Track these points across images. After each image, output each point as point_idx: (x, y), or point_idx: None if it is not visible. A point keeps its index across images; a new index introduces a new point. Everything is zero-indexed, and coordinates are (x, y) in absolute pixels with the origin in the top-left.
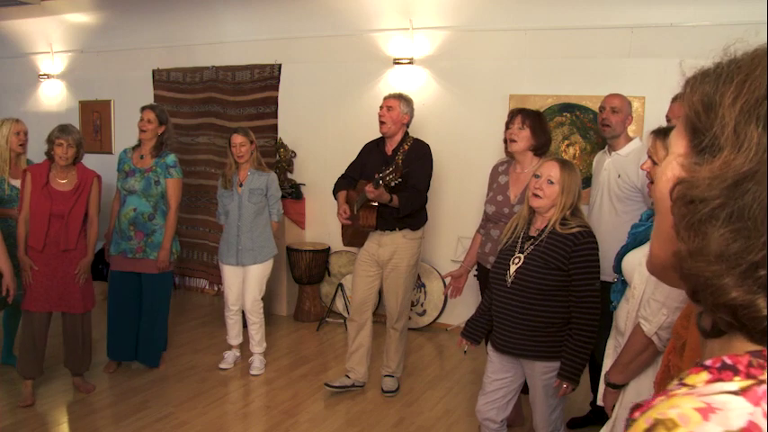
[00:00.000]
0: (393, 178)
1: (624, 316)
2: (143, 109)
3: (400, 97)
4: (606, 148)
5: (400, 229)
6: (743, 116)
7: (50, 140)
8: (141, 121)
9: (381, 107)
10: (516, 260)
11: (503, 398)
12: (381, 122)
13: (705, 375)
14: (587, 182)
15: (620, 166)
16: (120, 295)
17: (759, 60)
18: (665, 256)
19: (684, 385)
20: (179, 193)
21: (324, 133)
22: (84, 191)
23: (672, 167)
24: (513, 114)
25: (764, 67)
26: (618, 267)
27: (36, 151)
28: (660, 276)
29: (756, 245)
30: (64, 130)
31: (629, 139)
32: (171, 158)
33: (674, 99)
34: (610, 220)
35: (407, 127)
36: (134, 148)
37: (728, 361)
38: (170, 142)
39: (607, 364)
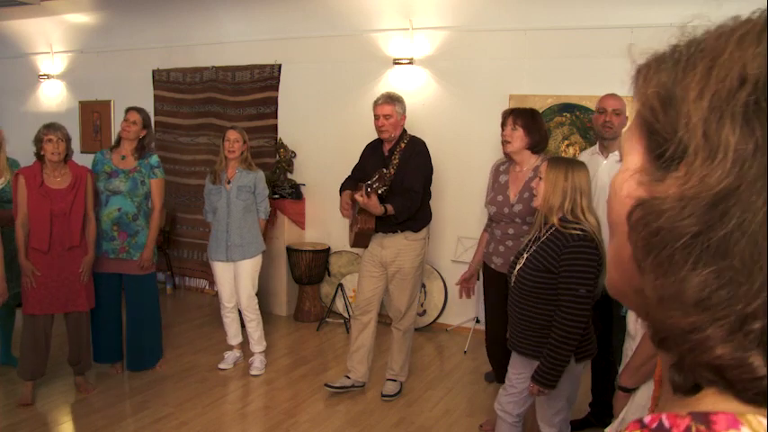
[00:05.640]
0: (378, 187)
1: (634, 320)
2: (129, 110)
3: (392, 101)
4: (597, 149)
5: (401, 231)
6: (713, 114)
7: (38, 139)
8: (126, 122)
9: (378, 117)
10: (520, 260)
11: (520, 393)
12: (382, 131)
13: None
14: None
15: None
16: (101, 296)
17: (726, 39)
18: (625, 288)
19: None
20: (163, 193)
21: (324, 133)
22: (80, 187)
23: (627, 183)
24: (505, 116)
25: (734, 47)
26: None
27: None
28: (621, 301)
29: (748, 292)
30: (51, 126)
31: None
32: (155, 159)
33: None
34: None
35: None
36: (112, 149)
37: (666, 423)
38: (151, 146)
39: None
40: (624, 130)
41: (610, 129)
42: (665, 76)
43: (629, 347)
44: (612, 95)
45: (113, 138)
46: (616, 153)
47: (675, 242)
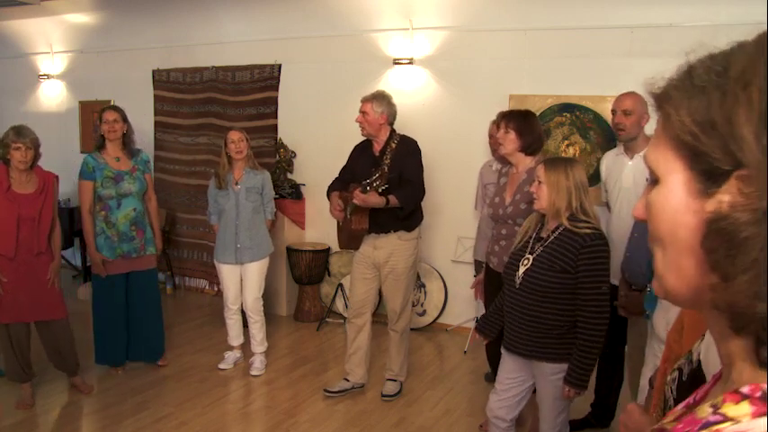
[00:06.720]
0: (379, 185)
1: (663, 324)
2: (105, 111)
3: (373, 99)
4: (621, 149)
5: (395, 231)
6: (764, 131)
7: (6, 144)
8: (107, 124)
9: (359, 111)
10: (525, 261)
11: (513, 397)
12: (360, 127)
13: (747, 407)
14: (592, 181)
15: (646, 171)
16: (112, 299)
17: (751, 66)
18: (686, 291)
19: (724, 417)
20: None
21: (324, 133)
22: (48, 192)
23: (676, 196)
24: (498, 119)
25: (764, 74)
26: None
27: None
28: (675, 303)
29: None
30: (20, 132)
31: (648, 140)
32: (145, 155)
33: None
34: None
35: (392, 124)
36: (100, 152)
37: None
38: (133, 139)
39: (645, 370)
40: (647, 151)
41: (622, 131)
42: (697, 102)
43: (659, 348)
44: (625, 95)
45: None
46: (642, 154)
47: (758, 247)
